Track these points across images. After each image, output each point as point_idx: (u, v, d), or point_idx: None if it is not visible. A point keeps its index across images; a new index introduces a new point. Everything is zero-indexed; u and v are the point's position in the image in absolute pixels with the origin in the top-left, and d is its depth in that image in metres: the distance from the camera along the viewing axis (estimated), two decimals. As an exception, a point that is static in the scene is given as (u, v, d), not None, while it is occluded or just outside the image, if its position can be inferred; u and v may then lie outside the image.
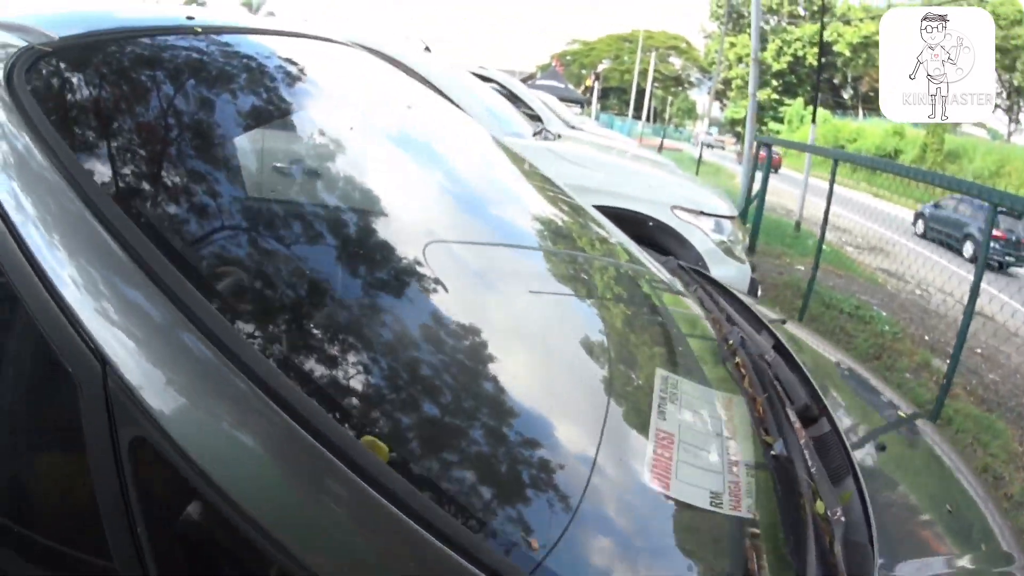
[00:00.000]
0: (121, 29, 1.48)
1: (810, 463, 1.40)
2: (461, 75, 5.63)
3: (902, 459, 1.90)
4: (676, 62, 62.73)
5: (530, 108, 8.18)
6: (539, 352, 1.52)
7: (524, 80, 29.39)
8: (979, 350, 6.87)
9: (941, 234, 17.24)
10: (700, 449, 1.37)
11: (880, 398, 2.23)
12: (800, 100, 46.76)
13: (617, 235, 2.43)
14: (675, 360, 1.76)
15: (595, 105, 37.91)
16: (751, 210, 8.29)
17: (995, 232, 15.98)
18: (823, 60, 44.37)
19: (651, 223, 4.48)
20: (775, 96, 50.58)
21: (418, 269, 1.49)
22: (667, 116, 66.81)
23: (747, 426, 1.52)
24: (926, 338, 6.81)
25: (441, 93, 4.63)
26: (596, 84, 39.48)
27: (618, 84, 59.31)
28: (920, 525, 1.63)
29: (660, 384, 1.50)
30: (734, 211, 4.89)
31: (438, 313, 1.43)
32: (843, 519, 1.27)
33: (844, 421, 1.93)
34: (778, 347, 1.96)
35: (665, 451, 1.29)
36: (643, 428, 1.35)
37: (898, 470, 1.83)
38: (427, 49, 6.92)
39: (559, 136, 5.94)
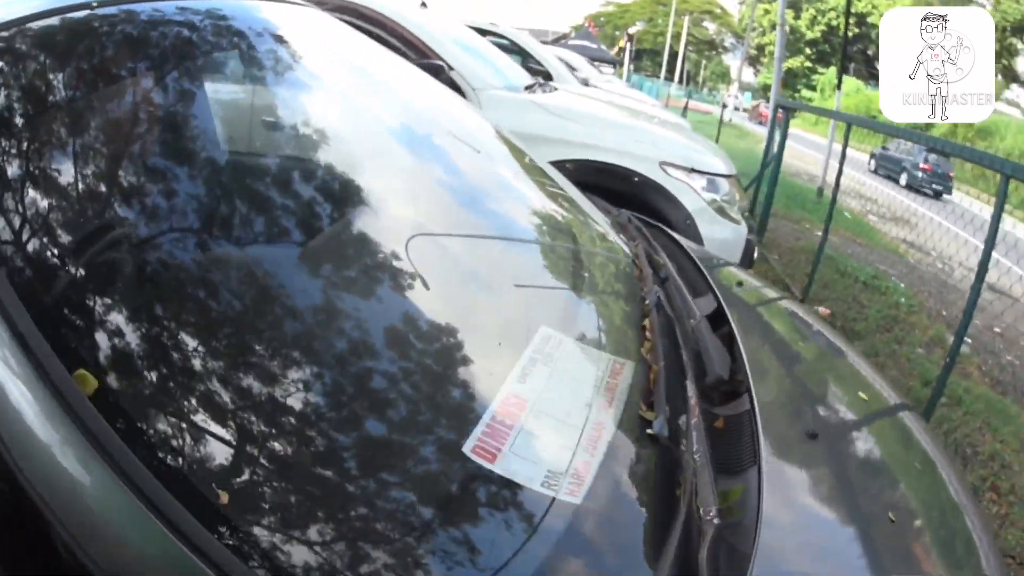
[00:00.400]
0: (22, 18, 1.31)
1: (697, 447, 1.18)
2: (453, 29, 5.33)
3: (851, 453, 1.56)
4: (710, 27, 61.72)
5: (540, 64, 8.02)
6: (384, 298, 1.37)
7: (556, 40, 28.92)
8: (998, 329, 6.48)
9: (886, 169, 22.63)
10: (556, 420, 1.20)
11: (867, 384, 1.90)
12: (833, 69, 45.75)
13: (561, 185, 2.21)
14: (572, 318, 1.54)
15: (627, 66, 37.23)
16: (767, 173, 7.89)
17: (922, 164, 20.99)
18: (858, 31, 43.40)
19: (636, 178, 4.17)
20: (808, 64, 49.61)
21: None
22: (701, 80, 66.12)
23: (627, 398, 1.31)
24: (943, 313, 6.44)
25: (424, 46, 4.46)
26: (629, 45, 38.78)
27: (651, 46, 58.47)
28: (843, 536, 1.29)
29: (538, 343, 1.32)
30: (732, 169, 4.56)
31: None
32: (716, 520, 1.05)
33: (799, 407, 1.63)
34: (718, 314, 1.70)
35: (508, 418, 1.13)
36: (490, 392, 1.18)
37: (838, 465, 1.48)
38: (423, 5, 6.63)
39: (555, 90, 5.62)
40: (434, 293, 1.43)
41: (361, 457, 1.07)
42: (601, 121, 4.54)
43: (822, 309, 5.66)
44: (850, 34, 23.37)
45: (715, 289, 1.82)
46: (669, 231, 2.37)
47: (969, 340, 6.01)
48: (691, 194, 4.17)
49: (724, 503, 1.12)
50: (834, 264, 7.03)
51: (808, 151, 17.98)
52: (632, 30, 38.67)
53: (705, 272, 1.94)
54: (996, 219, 3.35)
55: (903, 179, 21.64)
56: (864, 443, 1.62)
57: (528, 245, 1.78)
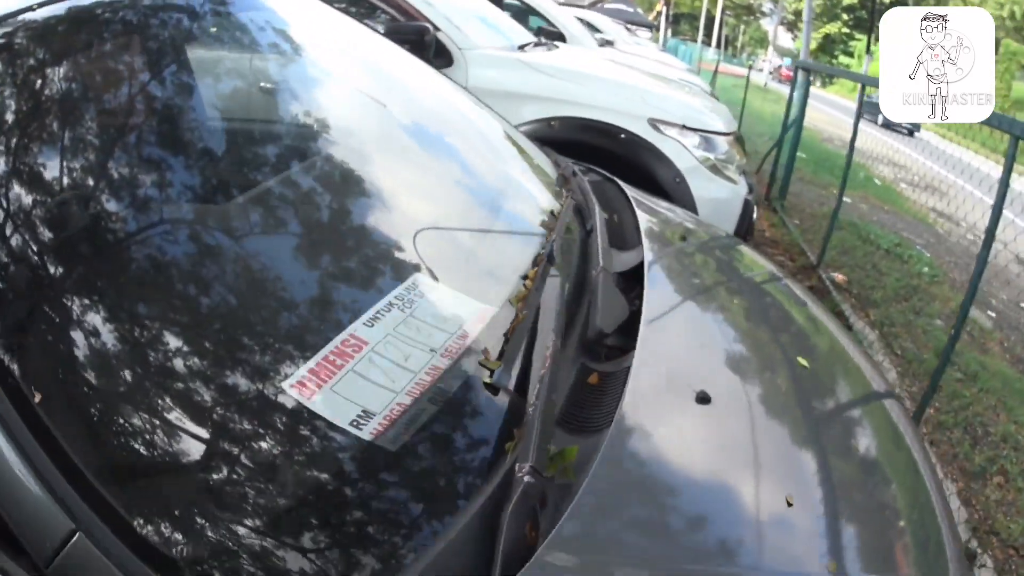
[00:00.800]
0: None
1: (535, 401, 1.10)
2: None
3: (755, 423, 1.34)
4: (748, -11, 60.61)
5: (553, 26, 7.81)
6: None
7: (593, 3, 28.43)
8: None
9: (870, 113, 23.60)
10: (391, 362, 1.15)
11: (818, 352, 1.72)
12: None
13: (512, 137, 2.21)
14: (454, 265, 1.52)
15: (663, 30, 36.53)
16: (787, 137, 7.58)
17: (893, 104, 23.44)
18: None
19: (623, 135, 3.95)
20: (845, 30, 48.48)
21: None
22: (739, 44, 65.02)
23: (478, 346, 1.26)
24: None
25: (410, 7, 4.27)
26: (666, 9, 38.03)
27: (689, 10, 57.44)
28: (708, 514, 1.10)
29: (404, 289, 1.31)
30: (731, 128, 4.30)
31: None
32: (527, 478, 0.96)
33: (704, 370, 1.44)
34: (635, 272, 1.62)
35: (340, 358, 1.13)
36: (331, 333, 1.18)
37: (731, 435, 1.28)
38: None
39: (555, 48, 5.38)
40: (314, 232, 1.44)
41: (187, 389, 1.06)
42: (587, 78, 4.31)
43: (838, 276, 5.42)
44: (886, 0, 22.92)
45: (643, 243, 1.72)
46: (623, 185, 2.24)
47: (993, 315, 5.70)
48: (682, 152, 3.95)
49: (562, 462, 1.07)
50: (857, 230, 6.78)
51: (845, 117, 17.72)
52: (670, -7, 37.88)
53: (640, 226, 1.83)
54: (1004, 183, 3.15)
55: (880, 119, 24.35)
56: (778, 413, 1.40)
57: (433, 192, 1.75)
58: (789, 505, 1.12)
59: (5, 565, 0.85)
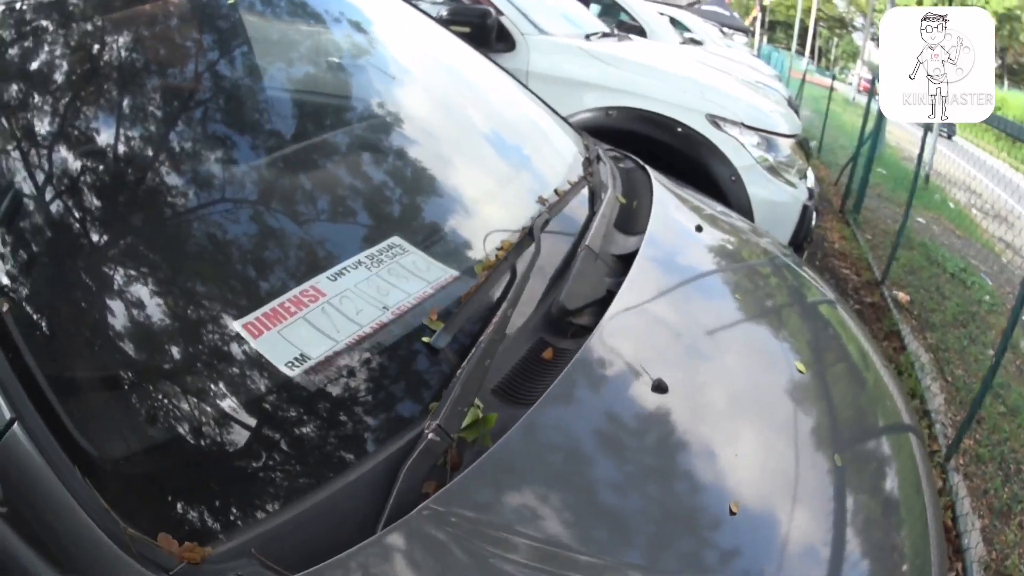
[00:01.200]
0: None
1: (466, 365, 1.11)
2: None
3: (715, 417, 1.26)
4: (840, 3, 58.77)
5: (635, 20, 7.80)
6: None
7: (690, 4, 27.84)
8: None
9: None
10: (342, 315, 1.18)
11: (821, 360, 1.59)
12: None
13: (542, 116, 2.18)
14: (438, 231, 1.50)
15: (758, 36, 35.73)
16: (864, 151, 7.35)
17: (935, 115, 23.34)
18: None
19: (680, 129, 3.81)
20: (934, 49, 46.94)
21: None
22: (832, 57, 63.34)
23: (429, 308, 1.25)
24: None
25: None
26: (761, 15, 37.21)
27: (784, 19, 56.09)
28: (624, 506, 1.04)
29: (379, 249, 1.33)
30: (795, 131, 4.09)
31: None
32: (431, 436, 0.98)
33: (676, 362, 1.36)
34: (628, 256, 1.56)
35: (295, 306, 1.16)
36: (292, 283, 1.20)
37: (683, 425, 1.20)
38: None
39: (627, 39, 5.21)
40: (308, 189, 1.47)
41: (144, 312, 1.08)
42: (648, 69, 4.14)
43: (901, 295, 5.27)
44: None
45: (648, 230, 1.67)
46: (653, 174, 2.13)
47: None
48: (740, 150, 3.78)
49: (484, 428, 1.05)
50: (926, 251, 6.56)
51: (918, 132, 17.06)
52: (766, 0, 36.97)
53: (652, 214, 1.77)
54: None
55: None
56: (750, 415, 1.30)
57: (439, 161, 1.75)
58: (732, 514, 1.04)
59: None
